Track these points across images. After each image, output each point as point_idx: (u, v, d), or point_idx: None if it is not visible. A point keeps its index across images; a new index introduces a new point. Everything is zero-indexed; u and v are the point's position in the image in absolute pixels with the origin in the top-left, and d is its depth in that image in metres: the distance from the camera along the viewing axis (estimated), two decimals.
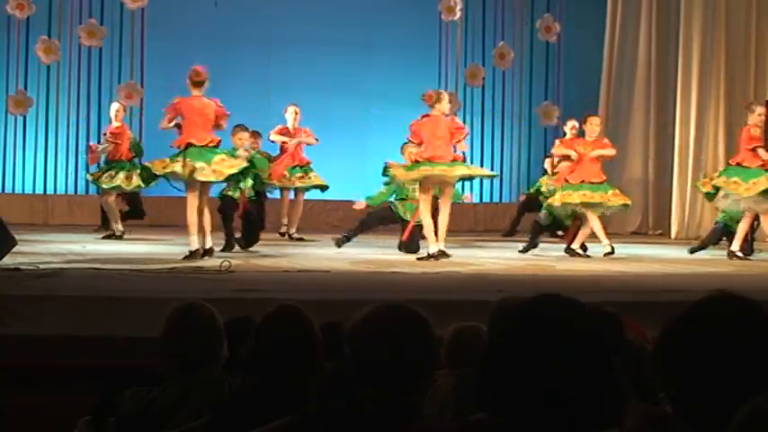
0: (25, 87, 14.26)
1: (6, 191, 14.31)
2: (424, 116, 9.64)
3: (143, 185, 11.46)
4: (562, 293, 2.09)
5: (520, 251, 10.39)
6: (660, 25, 14.59)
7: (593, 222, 10.22)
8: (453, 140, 9.50)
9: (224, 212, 10.26)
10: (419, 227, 10.30)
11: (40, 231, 11.91)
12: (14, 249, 7.61)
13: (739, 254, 10.20)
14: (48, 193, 14.45)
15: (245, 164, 9.27)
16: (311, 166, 12.03)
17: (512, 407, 1.94)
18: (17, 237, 7.75)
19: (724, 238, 10.88)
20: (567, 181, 10.31)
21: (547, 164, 12.99)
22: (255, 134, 11.60)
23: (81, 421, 3.63)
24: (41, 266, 7.56)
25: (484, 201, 15.21)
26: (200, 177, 8.80)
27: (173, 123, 9.17)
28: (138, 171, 11.45)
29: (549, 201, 10.57)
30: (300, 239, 11.76)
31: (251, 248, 10.14)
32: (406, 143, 10.77)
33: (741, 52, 13.89)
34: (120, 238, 11.34)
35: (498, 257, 9.98)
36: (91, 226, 12.56)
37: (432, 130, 9.48)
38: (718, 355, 1.78)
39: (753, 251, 10.61)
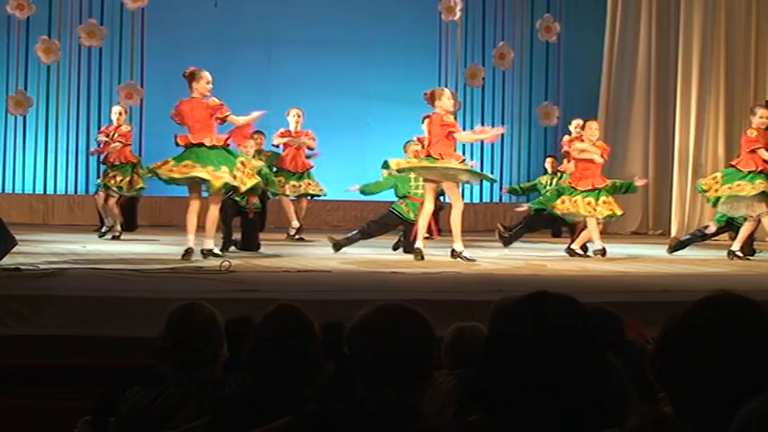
0: (25, 87, 14.27)
1: (6, 191, 14.32)
2: (425, 116, 9.61)
3: (145, 186, 11.48)
4: (559, 292, 2.09)
5: (502, 235, 10.43)
6: (660, 25, 14.60)
7: (590, 222, 10.22)
8: (450, 138, 9.39)
9: (224, 213, 10.24)
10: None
11: (40, 231, 11.91)
12: (14, 249, 7.61)
13: (739, 254, 10.20)
14: (48, 193, 14.46)
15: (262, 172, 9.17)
16: (311, 171, 12.02)
17: (508, 407, 1.94)
18: (17, 237, 7.74)
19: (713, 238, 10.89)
20: (573, 186, 10.29)
21: (547, 164, 13.00)
22: (259, 133, 11.64)
23: (81, 421, 3.63)
24: (41, 266, 7.56)
25: (484, 201, 15.21)
26: (200, 175, 8.72)
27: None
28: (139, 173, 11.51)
29: (554, 206, 10.56)
30: (301, 239, 11.77)
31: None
32: (408, 141, 10.75)
33: (741, 52, 13.89)
34: (118, 238, 11.34)
35: (498, 257, 9.97)
36: (91, 226, 12.56)
37: (430, 129, 9.47)
38: (718, 355, 1.78)
39: (753, 251, 10.61)
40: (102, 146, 11.84)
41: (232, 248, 9.85)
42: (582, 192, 10.21)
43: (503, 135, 15.09)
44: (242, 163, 8.84)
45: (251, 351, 3.21)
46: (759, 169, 9.96)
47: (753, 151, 10.02)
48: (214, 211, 8.93)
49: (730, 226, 10.67)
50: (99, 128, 13.54)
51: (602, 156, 10.36)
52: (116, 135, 11.64)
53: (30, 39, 14.24)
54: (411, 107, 10.84)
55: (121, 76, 14.54)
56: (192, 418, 3.35)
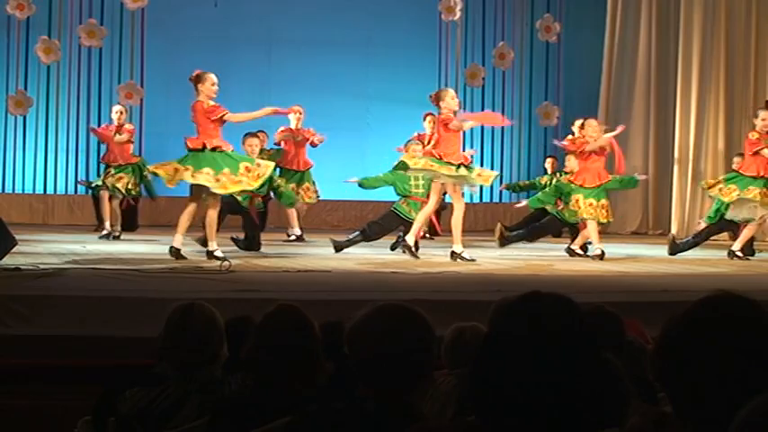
0: (25, 87, 14.27)
1: (6, 191, 14.32)
2: (426, 113, 9.67)
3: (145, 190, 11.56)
4: (560, 293, 2.09)
5: (504, 238, 10.38)
6: (660, 25, 14.60)
7: (590, 224, 10.19)
8: (454, 135, 9.42)
9: (224, 213, 10.24)
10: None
11: (40, 231, 11.91)
12: (14, 249, 7.61)
13: (739, 254, 10.21)
14: (48, 193, 14.46)
15: (268, 173, 9.00)
16: (311, 172, 11.99)
17: (501, 407, 1.94)
18: (17, 237, 7.75)
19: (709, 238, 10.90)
20: (579, 184, 10.25)
21: (548, 164, 13.00)
22: (262, 132, 11.64)
23: (81, 421, 3.63)
24: (41, 266, 7.55)
25: (484, 201, 15.21)
26: (203, 182, 8.70)
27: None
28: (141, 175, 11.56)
29: (562, 209, 10.57)
30: (299, 238, 11.76)
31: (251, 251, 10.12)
32: (409, 141, 10.74)
33: (741, 52, 13.89)
34: (118, 238, 11.34)
35: (498, 257, 9.97)
36: (91, 226, 12.56)
37: (437, 130, 9.53)
38: (718, 355, 1.78)
39: (753, 251, 10.62)
40: (100, 128, 11.92)
41: (232, 248, 9.85)
42: (587, 190, 10.14)
43: (502, 135, 15.12)
44: (246, 168, 8.78)
45: (251, 351, 3.21)
46: (761, 174, 9.98)
47: (755, 153, 10.04)
48: (212, 215, 8.92)
49: (724, 224, 10.67)
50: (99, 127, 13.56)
51: (611, 148, 10.38)
52: (121, 133, 11.66)
53: (30, 39, 14.23)
54: (411, 107, 10.85)
55: (121, 76, 14.54)
56: (192, 418, 3.35)
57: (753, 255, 10.54)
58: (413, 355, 2.51)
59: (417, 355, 2.53)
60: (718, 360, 1.77)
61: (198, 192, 8.89)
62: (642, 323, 4.77)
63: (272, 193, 10.88)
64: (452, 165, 9.21)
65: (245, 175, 8.73)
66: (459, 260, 9.26)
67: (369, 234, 10.30)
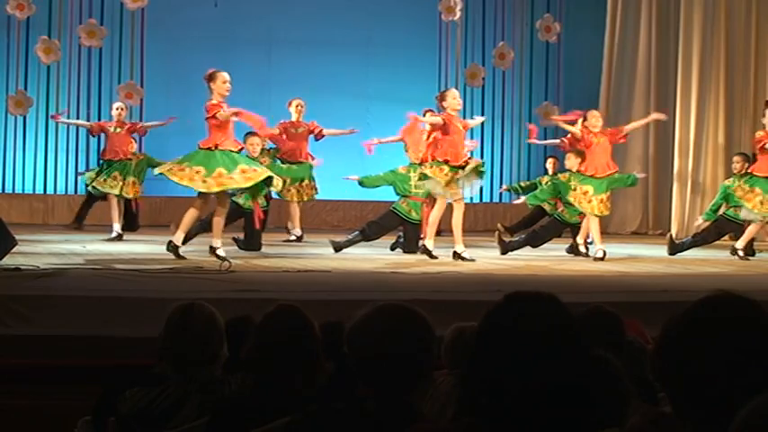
0: (25, 87, 14.27)
1: (6, 191, 14.32)
2: (426, 110, 9.72)
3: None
4: (540, 291, 2.10)
5: (505, 246, 10.34)
6: (660, 25, 14.60)
7: (592, 223, 10.18)
8: (456, 137, 9.45)
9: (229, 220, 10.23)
10: (417, 227, 10.26)
11: (40, 231, 11.91)
12: (14, 249, 7.61)
13: (740, 253, 10.23)
14: (48, 193, 14.45)
15: (265, 174, 8.90)
16: (311, 167, 11.93)
17: (492, 406, 1.95)
18: (17, 237, 7.75)
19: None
20: (580, 171, 10.21)
21: (549, 164, 12.99)
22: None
23: (81, 421, 3.63)
24: (41, 266, 7.56)
25: (484, 201, 15.21)
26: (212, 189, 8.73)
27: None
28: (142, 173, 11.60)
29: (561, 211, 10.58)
30: (299, 239, 11.76)
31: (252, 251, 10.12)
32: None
33: (741, 52, 13.89)
34: (119, 238, 11.34)
35: (498, 257, 9.97)
36: (91, 226, 12.55)
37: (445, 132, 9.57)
38: (718, 355, 1.78)
39: (753, 252, 10.62)
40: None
41: (233, 248, 9.85)
42: (597, 181, 10.08)
43: (502, 135, 15.12)
44: (242, 170, 8.77)
45: (251, 351, 3.21)
46: None
47: (763, 149, 10.07)
48: (219, 214, 8.95)
49: (724, 224, 10.68)
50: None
51: (618, 139, 10.37)
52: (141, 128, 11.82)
53: (30, 39, 14.23)
54: (411, 107, 10.82)
55: (121, 76, 14.54)
56: (192, 418, 3.35)
57: (753, 255, 10.55)
58: (413, 355, 2.51)
59: (417, 355, 2.53)
60: (718, 360, 1.77)
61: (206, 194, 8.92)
62: (642, 323, 4.78)
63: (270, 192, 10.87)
64: (456, 169, 9.29)
65: (237, 175, 8.73)
66: (459, 260, 9.27)
67: (368, 234, 10.29)
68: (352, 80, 14.84)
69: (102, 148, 12.31)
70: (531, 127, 12.05)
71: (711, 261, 10.11)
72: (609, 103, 14.78)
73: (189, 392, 3.42)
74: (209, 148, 8.71)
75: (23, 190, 14.40)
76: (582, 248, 10.37)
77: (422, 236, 9.95)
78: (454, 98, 9.47)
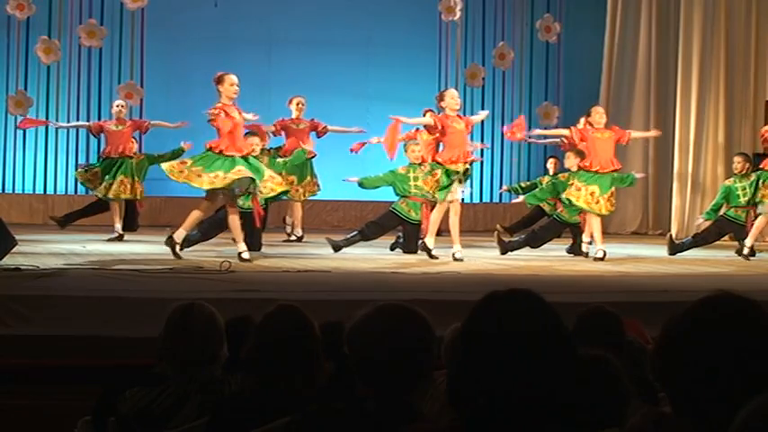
0: (25, 87, 14.26)
1: (6, 191, 14.32)
2: (426, 110, 9.74)
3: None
4: (522, 289, 2.10)
5: (504, 246, 10.33)
6: (660, 25, 14.60)
7: (594, 223, 10.17)
8: (457, 137, 9.46)
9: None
10: (417, 227, 10.26)
11: (40, 231, 11.91)
12: (14, 249, 7.61)
13: (746, 251, 10.26)
14: (48, 193, 14.45)
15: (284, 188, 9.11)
16: (313, 163, 11.91)
17: (480, 406, 1.95)
18: (17, 237, 7.75)
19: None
20: (584, 168, 10.19)
21: (549, 164, 12.98)
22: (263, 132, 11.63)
23: (81, 421, 3.63)
24: (41, 266, 7.56)
25: (484, 201, 15.21)
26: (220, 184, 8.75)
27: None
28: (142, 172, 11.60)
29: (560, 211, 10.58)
30: (299, 239, 11.75)
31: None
32: (409, 142, 10.73)
33: (741, 52, 13.89)
34: (120, 238, 11.34)
35: (498, 257, 9.97)
36: (91, 226, 12.54)
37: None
38: (718, 355, 1.78)
39: (753, 252, 10.62)
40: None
41: (233, 248, 9.84)
42: (603, 178, 10.06)
43: (503, 135, 15.12)
44: (239, 170, 8.80)
45: (251, 351, 3.21)
46: None
47: None
48: (233, 216, 8.94)
49: (724, 224, 10.69)
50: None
51: (622, 140, 10.38)
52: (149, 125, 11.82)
53: (30, 39, 14.23)
54: (411, 107, 10.83)
55: (121, 76, 14.53)
56: (192, 418, 3.35)
57: (753, 255, 10.55)
58: (413, 355, 2.51)
59: (417, 355, 2.53)
60: (719, 360, 1.77)
61: (213, 192, 8.92)
62: (642, 323, 4.78)
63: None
64: (459, 172, 9.32)
65: (231, 174, 8.76)
66: (454, 261, 9.29)
67: (367, 234, 10.30)
68: (352, 80, 14.84)
69: (102, 147, 12.30)
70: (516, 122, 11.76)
71: (711, 261, 10.11)
72: (609, 103, 14.77)
73: (189, 392, 3.42)
74: (215, 151, 8.75)
75: (23, 190, 14.40)
76: (585, 248, 10.36)
77: (422, 236, 9.96)
78: (453, 98, 9.47)
